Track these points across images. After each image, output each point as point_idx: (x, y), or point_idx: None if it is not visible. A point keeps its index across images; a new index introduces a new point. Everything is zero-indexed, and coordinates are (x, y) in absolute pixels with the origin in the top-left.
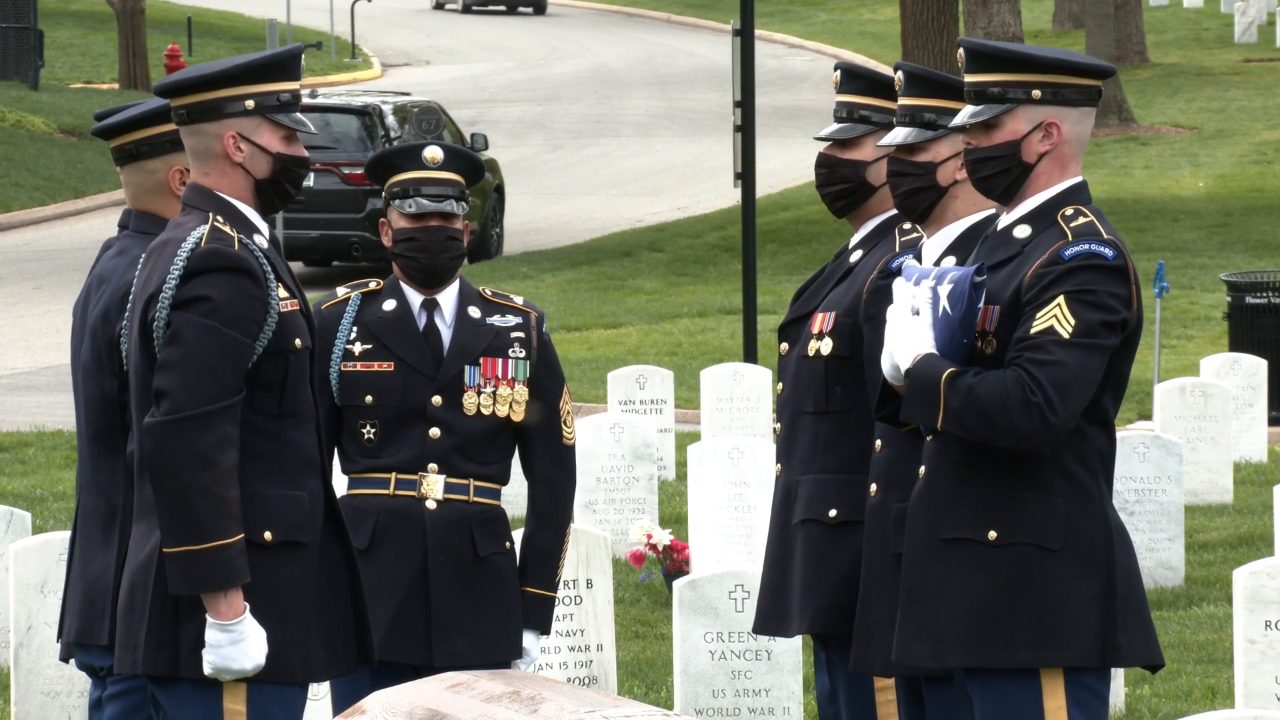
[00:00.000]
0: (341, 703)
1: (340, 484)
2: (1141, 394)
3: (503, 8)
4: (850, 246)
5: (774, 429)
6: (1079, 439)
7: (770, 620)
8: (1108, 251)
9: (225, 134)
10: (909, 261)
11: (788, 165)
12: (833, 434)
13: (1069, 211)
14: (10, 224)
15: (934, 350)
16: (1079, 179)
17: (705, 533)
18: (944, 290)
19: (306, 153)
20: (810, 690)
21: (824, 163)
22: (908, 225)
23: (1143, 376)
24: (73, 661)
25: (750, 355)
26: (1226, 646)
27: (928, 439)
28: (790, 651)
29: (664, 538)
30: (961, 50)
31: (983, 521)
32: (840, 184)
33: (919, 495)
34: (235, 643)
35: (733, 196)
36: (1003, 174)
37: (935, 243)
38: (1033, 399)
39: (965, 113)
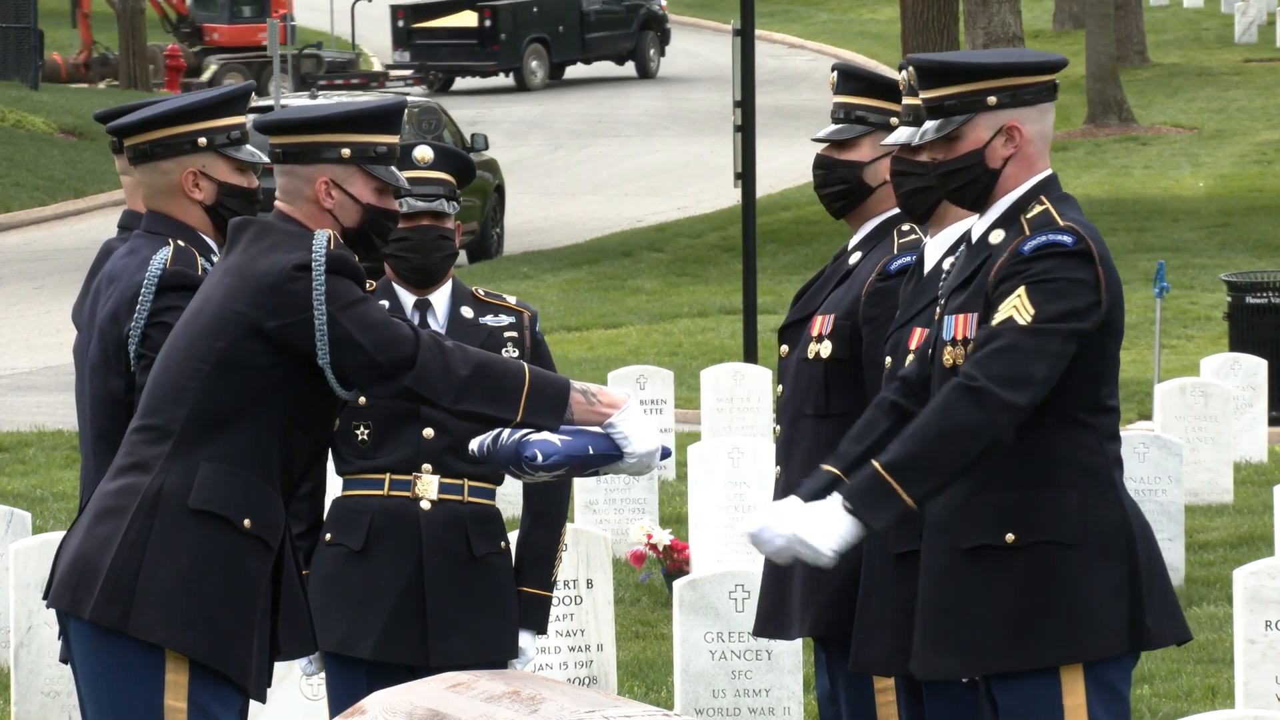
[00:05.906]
0: (339, 703)
1: (335, 485)
2: (1141, 394)
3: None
4: (849, 248)
5: (774, 430)
6: (1081, 429)
7: (771, 623)
8: (1065, 238)
9: (318, 179)
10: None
11: (788, 165)
12: (833, 436)
13: (1028, 206)
14: (10, 224)
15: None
16: (1046, 173)
17: (705, 533)
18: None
19: (398, 207)
20: (810, 690)
21: (821, 164)
22: (906, 226)
23: (1143, 376)
24: None
25: (750, 355)
26: (1226, 646)
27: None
28: (790, 652)
29: (664, 538)
30: (911, 69)
31: (1000, 526)
32: (838, 185)
33: (935, 509)
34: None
35: (733, 196)
36: (972, 184)
37: (937, 243)
38: (973, 385)
39: (925, 128)
